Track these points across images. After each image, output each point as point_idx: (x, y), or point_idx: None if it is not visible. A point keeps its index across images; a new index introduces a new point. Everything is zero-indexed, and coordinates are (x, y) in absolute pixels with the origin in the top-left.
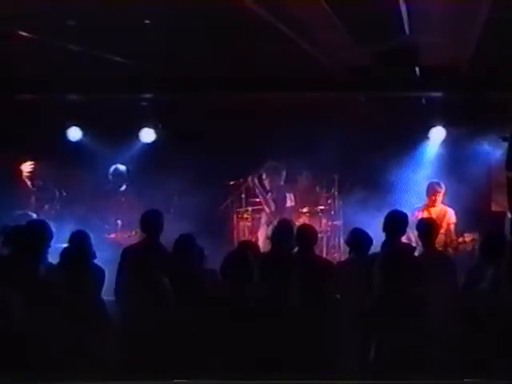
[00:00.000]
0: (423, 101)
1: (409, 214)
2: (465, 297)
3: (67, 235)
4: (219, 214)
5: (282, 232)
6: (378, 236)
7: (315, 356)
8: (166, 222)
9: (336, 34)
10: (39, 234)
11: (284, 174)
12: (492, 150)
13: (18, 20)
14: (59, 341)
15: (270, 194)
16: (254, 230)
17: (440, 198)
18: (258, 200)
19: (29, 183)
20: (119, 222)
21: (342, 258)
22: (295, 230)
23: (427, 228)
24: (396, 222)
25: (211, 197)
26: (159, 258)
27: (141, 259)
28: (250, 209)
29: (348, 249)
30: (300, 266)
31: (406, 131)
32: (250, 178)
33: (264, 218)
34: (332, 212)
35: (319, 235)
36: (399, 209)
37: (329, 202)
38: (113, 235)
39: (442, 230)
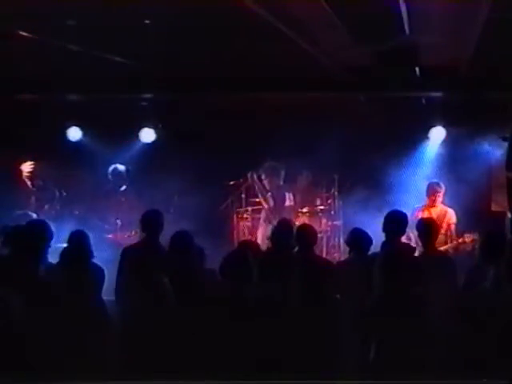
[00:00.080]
0: (423, 101)
1: (409, 214)
2: (465, 297)
3: (67, 235)
4: (219, 214)
5: (282, 232)
6: (377, 236)
7: (315, 356)
8: (166, 222)
9: (336, 34)
10: (39, 234)
11: (283, 173)
12: (492, 150)
13: (18, 20)
14: (59, 341)
15: (269, 193)
16: (253, 230)
17: (440, 198)
18: (257, 200)
19: (29, 183)
20: (119, 221)
21: (342, 258)
22: (295, 230)
23: (427, 228)
24: (396, 222)
25: (211, 197)
26: (159, 257)
27: (141, 259)
28: (249, 209)
29: (348, 249)
30: (300, 266)
31: (406, 131)
32: (249, 175)
33: (263, 216)
34: (332, 212)
35: (319, 235)
36: (399, 209)
37: (329, 202)
38: (113, 235)
39: (443, 231)
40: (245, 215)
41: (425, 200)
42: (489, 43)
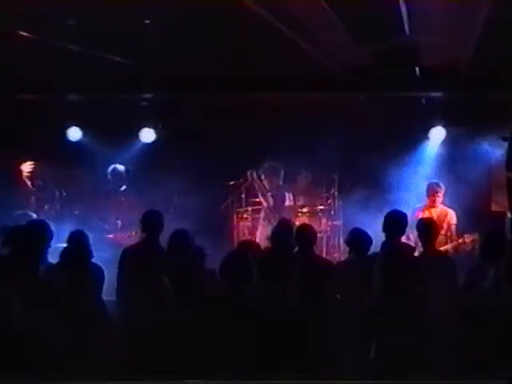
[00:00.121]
0: (423, 101)
1: (409, 215)
2: (465, 297)
3: (67, 235)
4: (219, 214)
5: (282, 232)
6: (377, 236)
7: (315, 356)
8: (166, 222)
9: (336, 34)
10: (39, 234)
11: (282, 173)
12: (492, 150)
13: (18, 20)
14: (59, 341)
15: (269, 193)
16: (253, 230)
17: (440, 198)
18: (257, 200)
19: (29, 183)
20: (119, 222)
21: (342, 258)
22: (295, 230)
23: (427, 228)
24: (396, 222)
25: (211, 197)
26: (159, 258)
27: (141, 259)
28: (249, 209)
29: (348, 249)
30: (300, 266)
31: (406, 131)
32: (249, 173)
33: (263, 216)
34: (332, 212)
35: (319, 235)
36: (399, 209)
37: (329, 202)
38: (113, 235)
39: (443, 232)
40: (245, 215)
41: (425, 200)
42: (489, 43)
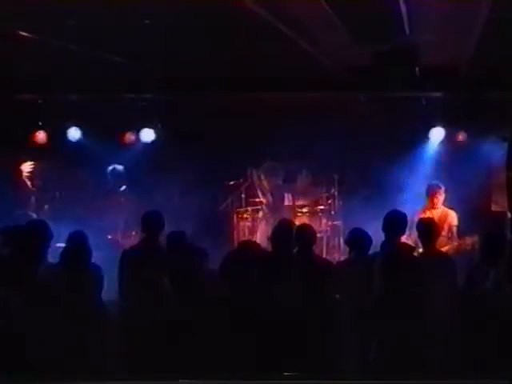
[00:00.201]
0: (423, 101)
1: (409, 215)
2: (465, 297)
3: (67, 235)
4: (219, 214)
5: (282, 232)
6: (377, 236)
7: (315, 356)
8: (166, 222)
9: (336, 34)
10: (39, 234)
11: (282, 173)
12: (492, 150)
13: (18, 20)
14: (59, 341)
15: (269, 193)
16: (253, 230)
17: (440, 199)
18: (257, 200)
19: (29, 183)
20: (119, 222)
21: (342, 258)
22: (295, 230)
23: (427, 228)
24: (395, 222)
25: (211, 197)
26: (159, 258)
27: (141, 259)
28: (249, 209)
29: (348, 249)
30: (300, 266)
31: (406, 131)
32: (249, 171)
33: (262, 215)
34: (332, 212)
35: (319, 235)
36: (399, 209)
37: (329, 202)
38: (113, 235)
39: (444, 233)
40: (245, 215)
41: (425, 201)
42: (489, 43)
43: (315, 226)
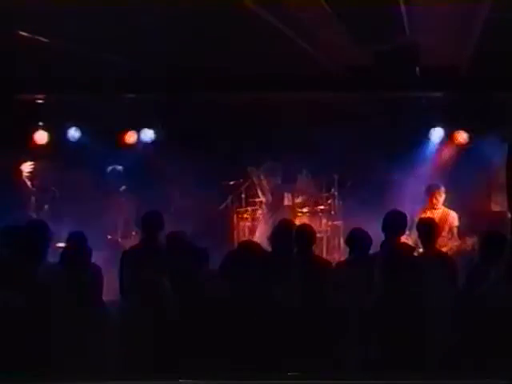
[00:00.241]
0: (423, 101)
1: (409, 215)
2: (465, 297)
3: (66, 235)
4: (219, 214)
5: (282, 232)
6: (377, 236)
7: (315, 356)
8: (166, 222)
9: (336, 34)
10: (39, 234)
11: (282, 173)
12: (492, 150)
13: (18, 20)
14: (59, 341)
15: (269, 193)
16: (253, 230)
17: (441, 199)
18: (257, 200)
19: (29, 183)
20: (119, 222)
21: (342, 258)
22: (294, 230)
23: (427, 228)
24: (395, 222)
25: (211, 197)
26: (159, 258)
27: (141, 259)
28: (249, 209)
29: (348, 249)
30: (299, 266)
31: (406, 131)
32: (249, 169)
33: (262, 214)
34: (332, 212)
35: (319, 235)
36: (399, 209)
37: (329, 202)
38: (113, 235)
39: (444, 233)
40: (245, 215)
41: (425, 201)
42: (489, 43)
43: (315, 226)
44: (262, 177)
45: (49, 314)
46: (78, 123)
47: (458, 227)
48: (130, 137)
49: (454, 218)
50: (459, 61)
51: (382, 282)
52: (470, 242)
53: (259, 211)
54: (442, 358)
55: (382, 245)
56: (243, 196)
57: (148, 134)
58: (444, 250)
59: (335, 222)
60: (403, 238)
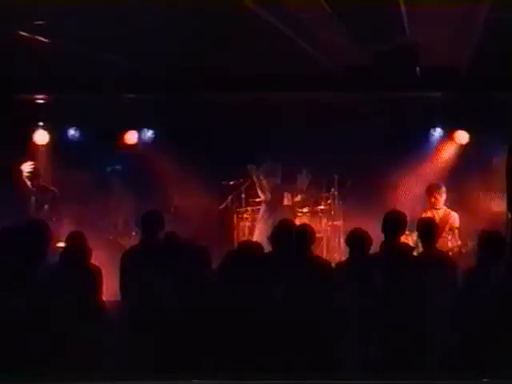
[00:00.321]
0: (423, 101)
1: (409, 215)
2: (465, 297)
3: (66, 235)
4: (219, 214)
5: (282, 232)
6: (377, 236)
7: (315, 356)
8: (166, 222)
9: (336, 34)
10: (39, 234)
11: (282, 173)
12: (492, 150)
13: (18, 20)
14: (59, 341)
15: (268, 192)
16: (253, 230)
17: (441, 199)
18: (257, 200)
19: (29, 183)
20: (119, 222)
21: (342, 258)
22: (294, 230)
23: (427, 228)
24: (395, 222)
25: (211, 197)
26: (159, 258)
27: (141, 259)
28: (249, 209)
29: (348, 249)
30: (299, 266)
31: (406, 131)
32: (249, 167)
33: (262, 213)
34: (332, 212)
35: (319, 235)
36: (399, 209)
37: (329, 202)
38: (113, 235)
39: (445, 234)
40: (245, 215)
41: (425, 201)
42: (489, 43)
43: (315, 226)
44: (261, 177)
45: (49, 314)
46: (78, 123)
47: (459, 228)
48: (130, 137)
49: (454, 218)
50: (459, 61)
51: (381, 282)
52: (470, 242)
53: (259, 211)
54: (442, 357)
55: (382, 245)
56: (243, 196)
57: (148, 134)
58: (444, 249)
59: (335, 222)
60: (403, 238)
